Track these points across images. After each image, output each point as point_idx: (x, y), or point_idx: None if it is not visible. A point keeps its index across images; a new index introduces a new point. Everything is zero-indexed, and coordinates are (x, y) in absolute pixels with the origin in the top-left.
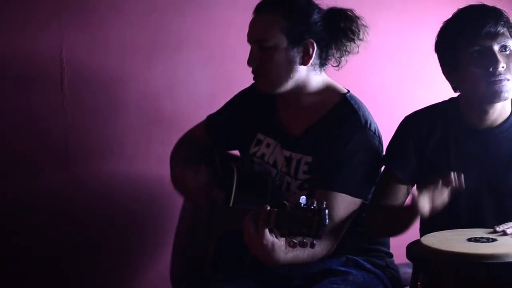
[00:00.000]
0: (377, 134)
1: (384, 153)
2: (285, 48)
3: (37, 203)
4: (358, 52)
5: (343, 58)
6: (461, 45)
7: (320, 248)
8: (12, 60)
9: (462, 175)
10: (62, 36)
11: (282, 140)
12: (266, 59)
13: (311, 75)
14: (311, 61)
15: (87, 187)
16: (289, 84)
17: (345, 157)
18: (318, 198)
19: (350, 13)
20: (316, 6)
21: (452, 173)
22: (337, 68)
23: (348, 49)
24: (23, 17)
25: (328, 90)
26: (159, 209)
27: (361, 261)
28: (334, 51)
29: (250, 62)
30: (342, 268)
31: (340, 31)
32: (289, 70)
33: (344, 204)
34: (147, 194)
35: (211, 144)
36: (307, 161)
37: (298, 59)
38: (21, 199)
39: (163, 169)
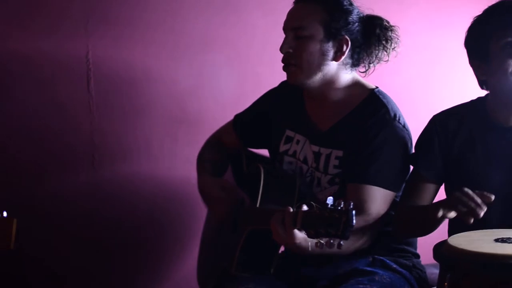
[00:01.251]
0: (406, 127)
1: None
2: (320, 40)
3: (63, 203)
4: (387, 61)
5: (372, 65)
6: (492, 37)
7: (357, 242)
8: (38, 61)
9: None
10: (88, 37)
11: (311, 136)
12: (300, 47)
13: (341, 72)
14: (342, 58)
15: (112, 187)
16: (318, 77)
17: (375, 150)
18: (350, 193)
19: (386, 23)
20: (356, 8)
21: (479, 198)
22: (363, 74)
23: (379, 56)
24: (49, 19)
25: (357, 86)
26: (185, 210)
27: (388, 261)
28: (365, 55)
29: (283, 49)
30: (369, 269)
31: (374, 36)
32: (320, 62)
33: (378, 196)
34: (172, 194)
35: (238, 143)
36: (337, 156)
37: (331, 54)
38: (47, 199)
39: (189, 170)
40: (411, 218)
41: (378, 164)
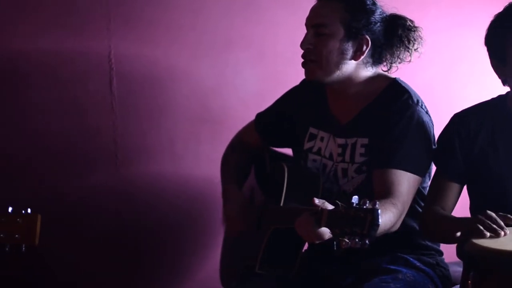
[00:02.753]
0: (428, 113)
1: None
2: (340, 38)
3: (86, 203)
4: (410, 61)
5: (394, 65)
6: (509, 38)
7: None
8: (61, 61)
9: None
10: (110, 37)
11: (334, 130)
12: (320, 44)
13: (360, 70)
14: (362, 57)
15: (135, 187)
16: (336, 75)
17: (400, 135)
18: (377, 178)
19: (409, 23)
20: (379, 8)
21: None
22: (386, 73)
23: (401, 56)
24: (72, 18)
25: (377, 78)
26: (208, 209)
27: (411, 259)
28: (387, 55)
29: (303, 45)
30: (392, 267)
31: (396, 37)
32: (339, 61)
33: (404, 180)
34: (196, 193)
35: (261, 143)
36: (363, 143)
37: (350, 53)
38: (70, 199)
39: (212, 169)
40: (436, 227)
41: (403, 148)
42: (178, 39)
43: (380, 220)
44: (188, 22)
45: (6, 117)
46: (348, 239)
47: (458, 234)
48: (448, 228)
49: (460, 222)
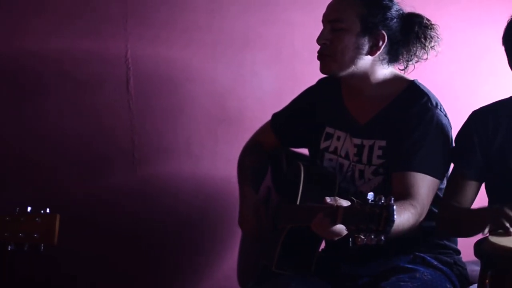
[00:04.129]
0: (447, 116)
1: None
2: (356, 33)
3: (103, 203)
4: (426, 59)
5: (410, 62)
6: None
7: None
8: (78, 61)
9: None
10: (127, 36)
11: (351, 130)
12: (336, 39)
13: (376, 67)
14: (378, 53)
15: (152, 186)
16: (352, 70)
17: (419, 138)
18: (396, 181)
19: (426, 21)
20: (396, 4)
21: None
22: (403, 71)
23: (417, 54)
24: (89, 19)
25: (395, 79)
26: (225, 208)
27: (429, 258)
28: (404, 52)
29: (319, 40)
30: (409, 266)
31: (413, 33)
32: (354, 55)
33: (423, 183)
34: (213, 193)
35: (277, 143)
36: (380, 146)
37: (366, 48)
38: (88, 199)
39: (229, 169)
40: (454, 220)
41: (422, 151)
42: (194, 39)
43: (395, 216)
44: (205, 23)
45: (24, 117)
46: (363, 236)
47: (486, 230)
48: (467, 221)
49: (480, 214)
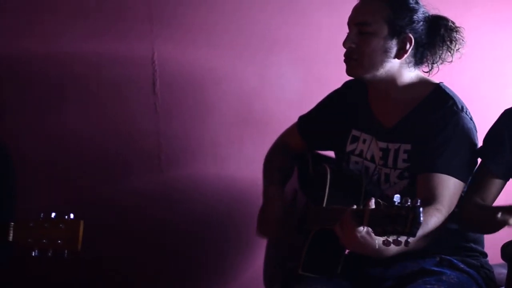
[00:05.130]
0: (472, 120)
1: (479, 145)
2: (384, 37)
3: (129, 205)
4: (451, 61)
5: (435, 65)
6: None
7: (428, 227)
8: (104, 63)
9: None
10: (153, 39)
11: (377, 133)
12: (363, 43)
13: (403, 70)
14: (405, 56)
15: (178, 188)
16: (379, 73)
17: (444, 141)
18: (421, 183)
19: (451, 24)
20: (422, 7)
21: None
22: (427, 74)
23: (442, 56)
24: (115, 21)
25: (421, 82)
26: (251, 210)
27: (455, 261)
28: (429, 55)
29: (346, 43)
30: (436, 268)
31: (438, 36)
32: (382, 59)
33: (449, 185)
34: (239, 195)
35: (304, 145)
36: (406, 149)
37: (393, 51)
38: (114, 200)
39: (255, 170)
40: (476, 216)
41: (448, 154)
42: (220, 41)
43: (422, 219)
44: (230, 24)
45: (51, 119)
46: (390, 238)
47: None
48: (490, 217)
49: (504, 210)
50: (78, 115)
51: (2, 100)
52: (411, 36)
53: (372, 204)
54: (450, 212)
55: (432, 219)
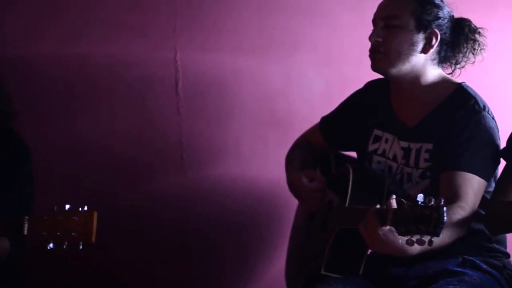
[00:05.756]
0: (494, 120)
1: (502, 145)
2: (411, 30)
3: (153, 206)
4: (473, 62)
5: (458, 66)
6: None
7: (454, 233)
8: (127, 63)
9: None
10: (176, 39)
11: (399, 132)
12: (390, 36)
13: (428, 67)
14: (431, 51)
15: (201, 189)
16: (405, 68)
17: (467, 140)
18: (444, 181)
19: (474, 26)
20: (447, 6)
21: None
22: (450, 75)
23: (466, 56)
24: (138, 21)
25: (443, 82)
26: (274, 211)
27: (478, 261)
28: (452, 54)
29: (372, 37)
30: (458, 269)
31: (462, 36)
32: (408, 52)
33: (472, 183)
34: (262, 196)
35: (326, 145)
36: (427, 149)
37: (420, 45)
38: (136, 201)
39: (279, 171)
40: (504, 214)
41: (469, 152)
42: (243, 41)
43: (445, 218)
44: (254, 25)
45: (75, 120)
46: (414, 237)
47: None
48: None
49: None
50: (101, 116)
51: (29, 101)
52: (437, 32)
53: (393, 203)
54: (474, 210)
55: (456, 216)
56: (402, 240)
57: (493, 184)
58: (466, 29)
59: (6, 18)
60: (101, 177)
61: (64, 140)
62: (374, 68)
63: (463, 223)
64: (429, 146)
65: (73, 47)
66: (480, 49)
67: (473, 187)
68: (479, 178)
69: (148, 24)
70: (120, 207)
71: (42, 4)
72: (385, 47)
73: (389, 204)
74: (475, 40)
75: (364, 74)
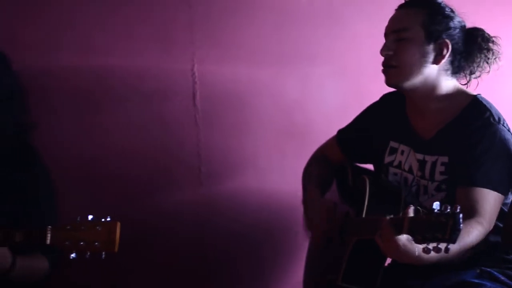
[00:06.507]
0: (510, 131)
1: None
2: (421, 42)
3: (169, 217)
4: (489, 72)
5: (473, 76)
6: None
7: (470, 240)
8: (145, 75)
9: None
10: (193, 50)
11: (415, 145)
12: (401, 49)
13: (441, 78)
14: (443, 61)
15: (219, 201)
16: (418, 80)
17: (482, 153)
18: (461, 196)
19: (487, 34)
20: (458, 16)
21: None
22: (466, 86)
23: (480, 66)
24: (156, 33)
25: (458, 94)
26: (292, 223)
27: (495, 273)
28: (466, 64)
29: (383, 51)
30: (476, 281)
31: (475, 45)
32: (420, 64)
33: (489, 198)
34: (280, 208)
35: (343, 158)
36: (443, 162)
37: (431, 57)
38: (154, 213)
39: (296, 183)
40: None
41: (485, 166)
42: (261, 53)
43: (461, 225)
44: (271, 36)
45: (91, 130)
46: (430, 245)
47: None
48: None
49: None
50: (120, 126)
51: (46, 112)
52: (448, 42)
53: (411, 211)
54: (491, 225)
55: (474, 232)
56: (418, 248)
57: (510, 196)
58: (479, 39)
59: (25, 30)
60: (118, 189)
61: (80, 149)
62: (388, 83)
63: (480, 238)
64: (445, 159)
65: (90, 59)
66: (495, 58)
67: (490, 203)
68: (496, 193)
69: (166, 36)
70: (137, 218)
71: (60, 16)
72: (396, 60)
73: (406, 213)
74: (488, 49)
75: (380, 86)
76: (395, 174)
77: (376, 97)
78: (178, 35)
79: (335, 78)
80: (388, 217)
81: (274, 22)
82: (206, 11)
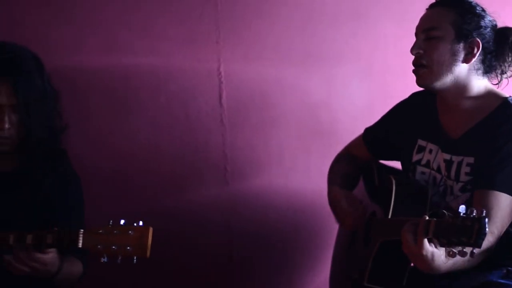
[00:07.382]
0: None
1: None
2: (451, 40)
3: (195, 216)
4: None
5: (504, 76)
6: None
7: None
8: (171, 75)
9: None
10: (220, 50)
11: (443, 144)
12: (431, 48)
13: (472, 77)
14: (473, 60)
15: (245, 199)
16: (449, 79)
17: (505, 158)
18: (477, 199)
19: None
20: (489, 16)
21: None
22: (497, 85)
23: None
24: (182, 33)
25: (489, 95)
26: (317, 222)
27: None
28: (497, 63)
29: (413, 50)
30: (502, 281)
31: (507, 45)
32: (450, 63)
33: (504, 203)
34: (305, 206)
35: (369, 156)
36: (468, 162)
37: (461, 55)
38: (180, 212)
39: (322, 182)
40: None
41: (508, 170)
42: (286, 52)
43: (487, 229)
44: (297, 35)
45: (117, 130)
46: (455, 249)
47: None
48: None
49: None
50: (146, 126)
51: (73, 113)
52: (479, 41)
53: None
54: (501, 233)
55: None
56: (443, 251)
57: None
58: (511, 38)
59: (51, 31)
60: (144, 188)
61: (107, 150)
62: (419, 83)
63: (489, 247)
64: (471, 160)
65: (117, 60)
66: None
67: (504, 209)
68: None
69: (191, 36)
70: (163, 218)
71: (86, 16)
72: (426, 59)
73: (432, 216)
74: None
75: (407, 84)
76: (423, 173)
77: (402, 96)
78: (204, 35)
79: (361, 77)
80: (414, 220)
81: (300, 21)
82: (232, 10)
